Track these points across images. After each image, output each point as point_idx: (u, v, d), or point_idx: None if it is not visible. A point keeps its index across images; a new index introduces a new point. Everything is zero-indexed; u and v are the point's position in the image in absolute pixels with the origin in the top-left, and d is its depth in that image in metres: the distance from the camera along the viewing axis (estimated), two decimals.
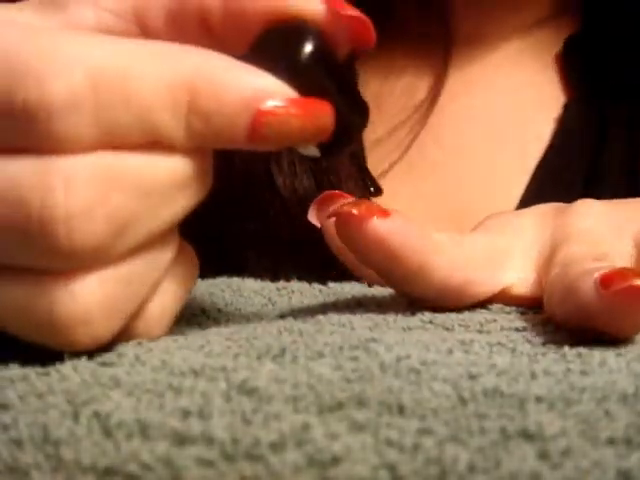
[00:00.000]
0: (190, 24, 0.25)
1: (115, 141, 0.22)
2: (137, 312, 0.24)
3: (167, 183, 0.23)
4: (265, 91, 0.23)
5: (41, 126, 0.21)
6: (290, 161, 0.46)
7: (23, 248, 0.22)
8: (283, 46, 0.24)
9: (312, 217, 0.31)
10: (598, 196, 0.33)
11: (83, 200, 0.21)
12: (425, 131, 0.48)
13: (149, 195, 0.22)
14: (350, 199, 0.29)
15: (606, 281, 0.24)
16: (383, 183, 0.47)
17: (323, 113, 0.24)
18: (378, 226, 0.27)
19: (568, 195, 0.34)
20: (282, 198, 0.46)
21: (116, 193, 0.22)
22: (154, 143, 0.22)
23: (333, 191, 0.30)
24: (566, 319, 0.26)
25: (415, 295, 0.29)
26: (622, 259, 0.29)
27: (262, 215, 0.47)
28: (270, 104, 0.23)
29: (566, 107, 0.48)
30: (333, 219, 0.28)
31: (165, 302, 0.25)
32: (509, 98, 0.49)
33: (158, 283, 0.24)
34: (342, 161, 0.46)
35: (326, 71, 0.24)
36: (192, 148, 0.23)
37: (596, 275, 0.24)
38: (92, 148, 0.22)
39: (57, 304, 0.22)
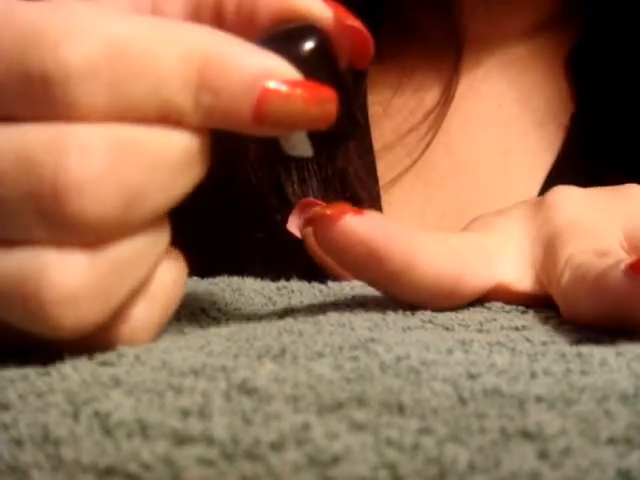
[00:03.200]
0: (205, 17, 0.26)
1: (128, 113, 0.22)
2: (122, 315, 0.24)
3: (175, 159, 0.23)
4: (271, 70, 0.23)
5: (57, 92, 0.21)
6: (299, 167, 0.46)
7: (33, 214, 0.21)
8: (288, 40, 0.25)
9: (292, 227, 0.30)
10: None
11: (96, 167, 0.21)
12: (435, 138, 0.48)
13: (158, 170, 0.22)
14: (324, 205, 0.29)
15: (635, 268, 0.24)
16: (393, 190, 0.47)
17: (327, 98, 0.24)
18: (352, 223, 0.27)
19: None
20: (290, 205, 0.46)
21: (127, 165, 0.22)
22: (164, 117, 0.23)
23: (309, 199, 0.30)
24: (601, 321, 0.26)
25: (399, 296, 0.29)
26: (619, 252, 0.29)
27: (269, 223, 0.46)
28: (275, 83, 0.23)
29: (575, 116, 0.47)
30: (309, 227, 0.28)
31: (151, 308, 0.24)
32: (518, 105, 0.49)
33: (148, 274, 0.24)
34: (350, 167, 0.46)
35: (327, 70, 0.25)
36: (199, 125, 0.23)
37: (622, 266, 0.24)
38: (106, 118, 0.22)
39: (47, 276, 0.21)
